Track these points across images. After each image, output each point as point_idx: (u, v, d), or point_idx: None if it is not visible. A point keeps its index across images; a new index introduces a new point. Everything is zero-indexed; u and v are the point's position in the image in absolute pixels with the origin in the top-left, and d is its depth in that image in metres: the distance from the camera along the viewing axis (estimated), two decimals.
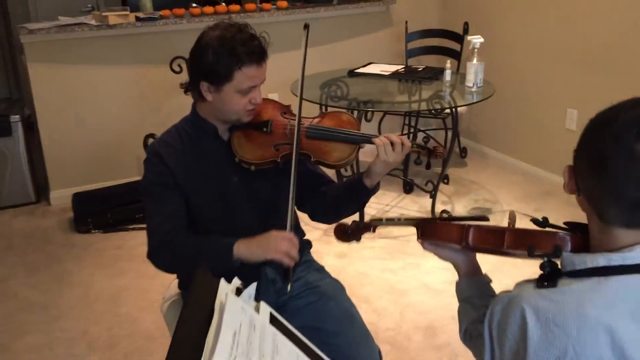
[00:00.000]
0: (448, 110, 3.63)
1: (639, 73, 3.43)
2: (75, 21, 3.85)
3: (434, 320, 2.79)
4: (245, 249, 1.64)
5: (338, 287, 1.92)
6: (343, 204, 1.85)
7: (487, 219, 1.31)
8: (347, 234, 1.60)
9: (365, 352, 1.78)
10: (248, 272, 1.76)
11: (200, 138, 1.78)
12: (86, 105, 4.07)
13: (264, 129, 1.77)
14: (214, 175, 1.78)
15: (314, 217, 1.94)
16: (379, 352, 1.81)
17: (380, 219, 1.51)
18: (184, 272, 1.86)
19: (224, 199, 1.79)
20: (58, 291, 3.15)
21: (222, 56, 1.62)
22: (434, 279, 3.11)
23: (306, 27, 1.79)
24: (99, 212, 3.78)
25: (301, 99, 1.79)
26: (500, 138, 4.43)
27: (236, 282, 1.06)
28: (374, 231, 1.53)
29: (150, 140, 2.86)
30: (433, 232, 1.29)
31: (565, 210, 3.79)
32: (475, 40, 3.37)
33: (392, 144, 1.68)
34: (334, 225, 1.67)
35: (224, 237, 1.69)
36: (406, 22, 4.51)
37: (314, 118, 1.84)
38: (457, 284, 1.37)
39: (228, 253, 1.64)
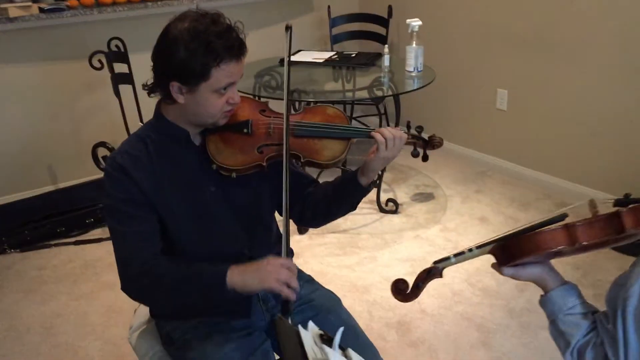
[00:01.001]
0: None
1: (566, 53, 3.50)
2: None
3: (404, 315, 2.70)
4: (239, 278, 1.43)
5: (333, 298, 1.77)
6: (335, 206, 1.69)
7: (565, 216, 1.18)
8: (414, 290, 1.39)
9: None
10: None
11: (168, 145, 1.56)
12: None
13: (244, 130, 1.58)
14: (189, 186, 1.56)
15: (301, 222, 1.77)
16: None
17: (448, 258, 1.31)
18: (168, 305, 1.62)
19: (201, 211, 1.58)
20: None
21: (196, 52, 1.41)
22: (394, 271, 3.02)
23: (288, 28, 1.61)
24: (13, 229, 3.38)
25: (287, 97, 1.59)
26: (433, 121, 4.42)
27: (314, 328, 0.88)
28: (442, 276, 1.36)
29: (102, 151, 2.54)
30: (528, 248, 1.13)
31: (502, 188, 3.84)
32: (414, 23, 3.29)
33: (389, 137, 1.55)
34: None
35: (213, 265, 1.47)
36: (329, 6, 4.37)
37: (297, 114, 1.66)
38: (547, 300, 1.23)
39: (220, 283, 1.43)
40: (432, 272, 1.32)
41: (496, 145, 4.10)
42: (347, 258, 3.15)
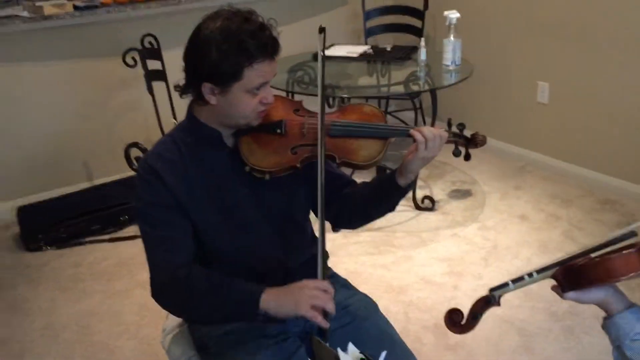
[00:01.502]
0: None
1: (608, 45, 3.36)
2: (3, 13, 3.39)
3: (441, 318, 2.59)
4: (274, 302, 1.38)
5: (370, 303, 1.71)
6: (373, 207, 1.63)
7: (634, 235, 1.10)
8: (470, 321, 1.28)
9: None
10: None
11: (201, 147, 1.52)
12: (23, 107, 3.63)
13: (278, 131, 1.52)
14: (221, 188, 1.52)
15: (337, 224, 1.70)
16: None
17: (506, 285, 1.22)
18: (197, 317, 1.58)
19: (234, 215, 1.53)
20: (16, 322, 2.78)
21: (228, 52, 1.36)
22: (431, 271, 2.94)
23: (322, 31, 1.55)
24: (49, 226, 3.40)
25: (322, 97, 1.53)
26: (471, 116, 4.29)
27: (354, 351, 0.83)
28: (499, 304, 1.25)
29: (134, 151, 2.52)
30: (598, 275, 1.05)
31: (543, 184, 3.72)
32: (452, 15, 3.19)
33: (429, 137, 1.47)
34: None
35: (249, 283, 1.43)
36: None
37: (332, 113, 1.60)
38: (611, 324, 1.15)
39: (253, 304, 1.38)
40: (489, 302, 1.22)
41: (536, 139, 3.96)
42: (382, 257, 3.09)
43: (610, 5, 3.31)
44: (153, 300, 1.49)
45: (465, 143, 1.58)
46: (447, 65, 3.25)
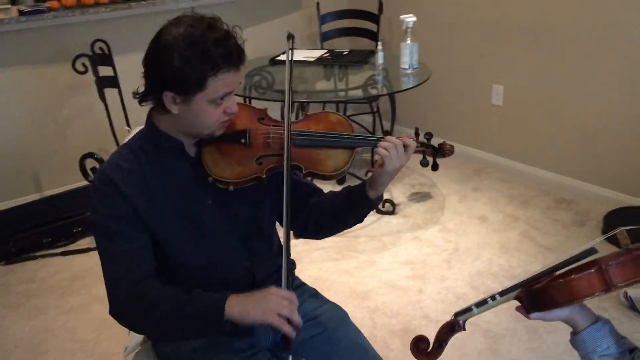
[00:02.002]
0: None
1: (560, 48, 3.43)
2: None
3: (407, 322, 2.61)
4: (238, 310, 1.34)
5: (340, 313, 1.67)
6: (342, 219, 1.60)
7: (595, 252, 1.10)
8: (436, 349, 1.27)
9: None
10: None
11: (162, 157, 1.46)
12: None
13: (242, 141, 1.48)
14: (184, 200, 1.46)
15: (304, 234, 1.67)
16: None
17: (469, 309, 1.22)
18: (159, 334, 1.52)
19: (198, 227, 1.48)
20: None
21: (192, 61, 1.30)
22: (395, 275, 2.93)
23: (290, 37, 1.53)
24: None
25: (289, 106, 1.49)
26: (428, 119, 4.33)
27: None
28: (465, 329, 1.25)
29: (90, 162, 2.42)
30: (561, 297, 1.04)
31: (500, 186, 3.77)
32: (408, 19, 3.20)
33: (397, 147, 1.45)
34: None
35: (211, 293, 1.38)
36: (317, 3, 4.27)
37: (298, 122, 1.57)
38: (578, 341, 1.16)
39: (218, 313, 1.34)
40: (454, 328, 1.23)
41: (492, 141, 4.02)
42: (345, 262, 3.06)
43: (563, 9, 3.38)
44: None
45: (433, 153, 1.56)
46: (405, 69, 3.25)
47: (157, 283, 1.41)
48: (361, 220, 1.60)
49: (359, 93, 3.32)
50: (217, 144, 1.47)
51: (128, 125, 3.41)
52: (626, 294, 2.59)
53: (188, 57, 1.30)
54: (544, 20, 3.49)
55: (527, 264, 2.95)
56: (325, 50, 3.74)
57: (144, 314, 1.38)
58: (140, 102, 1.45)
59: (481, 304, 1.16)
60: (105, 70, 3.28)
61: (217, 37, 1.32)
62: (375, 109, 4.05)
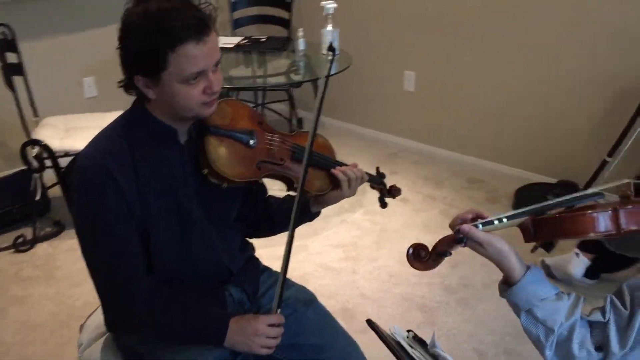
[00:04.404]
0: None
1: (468, 36, 3.63)
2: None
3: (346, 302, 2.67)
4: (230, 343, 1.42)
5: (308, 294, 1.70)
6: (282, 224, 1.63)
7: (602, 196, 1.15)
8: (434, 257, 1.23)
9: None
10: (210, 295, 1.48)
11: (153, 145, 1.36)
12: None
13: (250, 142, 1.45)
14: (173, 193, 1.39)
15: (247, 233, 1.68)
16: None
17: (476, 227, 1.14)
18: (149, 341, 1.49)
19: (184, 221, 1.42)
20: None
21: (147, 37, 1.22)
22: (328, 258, 2.98)
23: (331, 49, 1.58)
24: None
25: (317, 118, 1.45)
26: (343, 105, 4.41)
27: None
28: (466, 245, 1.17)
29: (35, 151, 2.20)
30: (572, 229, 1.06)
31: (415, 168, 3.93)
32: (329, 5, 3.24)
33: (360, 180, 1.59)
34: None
35: (214, 319, 1.44)
36: None
37: (292, 136, 1.57)
38: (519, 290, 1.11)
39: (216, 342, 1.42)
40: (457, 241, 1.15)
41: (405, 126, 4.17)
42: (279, 249, 3.04)
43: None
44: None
45: (385, 192, 1.77)
46: (327, 55, 3.29)
47: (163, 298, 1.40)
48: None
49: (281, 79, 3.33)
50: (222, 138, 1.41)
51: (36, 115, 3.20)
52: (543, 261, 2.80)
53: (143, 33, 1.23)
54: (453, 9, 3.66)
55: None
56: (243, 37, 3.70)
57: (149, 329, 1.41)
58: (126, 91, 1.36)
59: (488, 223, 1.14)
60: (12, 57, 3.05)
61: (172, 7, 1.23)
62: (288, 97, 4.07)
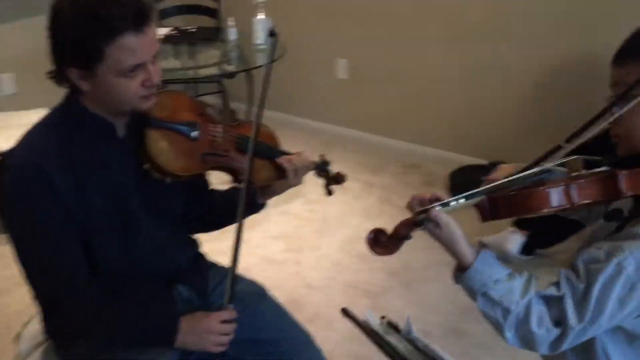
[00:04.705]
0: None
1: (402, 20, 3.66)
2: None
3: (291, 292, 2.65)
4: (180, 343, 1.37)
5: (259, 287, 1.67)
6: (230, 217, 1.55)
7: (549, 171, 1.16)
8: (395, 242, 1.21)
9: (314, 355, 1.60)
10: (158, 295, 1.43)
11: (90, 141, 1.29)
12: None
13: (193, 134, 1.40)
14: (113, 191, 1.32)
15: (192, 228, 1.63)
16: None
17: (432, 207, 1.13)
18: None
19: (127, 221, 1.35)
20: None
21: (81, 27, 1.16)
22: (270, 250, 2.95)
23: (272, 34, 1.56)
24: None
25: (261, 106, 1.45)
26: (275, 95, 4.33)
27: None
28: (424, 228, 1.15)
29: None
30: (528, 205, 1.06)
31: (352, 156, 3.94)
32: None
33: (305, 168, 1.59)
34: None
35: (163, 319, 1.39)
36: None
37: (237, 126, 1.53)
38: (473, 273, 1.11)
39: (167, 343, 1.36)
40: (417, 223, 1.15)
41: (340, 114, 4.17)
42: (219, 243, 2.96)
43: None
44: None
45: (331, 180, 1.75)
46: (259, 44, 3.25)
47: (104, 300, 1.33)
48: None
49: (214, 70, 3.25)
50: (163, 131, 1.35)
51: None
52: (481, 240, 2.86)
53: (76, 23, 1.16)
54: None
55: (391, 226, 3.12)
56: (171, 28, 3.59)
57: (89, 348, 1.33)
58: (57, 83, 1.27)
59: (445, 204, 1.13)
60: None
61: None
62: (222, 89, 3.99)
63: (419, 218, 1.12)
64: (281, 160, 1.54)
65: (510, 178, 1.13)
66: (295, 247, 2.98)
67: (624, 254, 1.01)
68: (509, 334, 1.09)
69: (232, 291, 1.41)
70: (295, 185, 1.59)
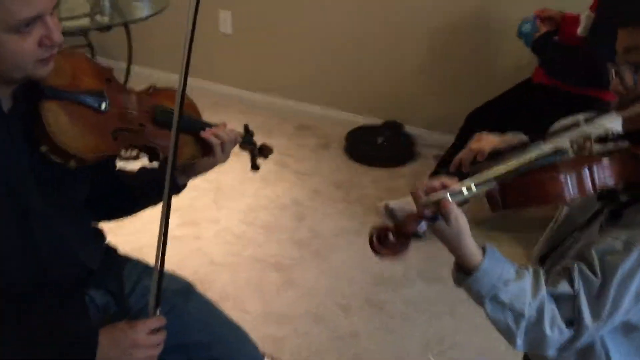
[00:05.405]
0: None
1: None
2: None
3: (195, 272, 2.40)
4: (104, 359, 1.11)
5: (183, 283, 1.46)
6: (143, 201, 1.41)
7: (566, 152, 1.01)
8: (404, 238, 0.95)
9: (250, 354, 1.42)
10: (67, 304, 1.19)
11: None
12: None
13: (100, 106, 1.14)
14: (3, 180, 1.05)
15: (97, 216, 1.39)
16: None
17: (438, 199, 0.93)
18: None
19: (23, 214, 1.09)
20: None
21: None
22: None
23: None
24: None
25: (186, 75, 1.22)
26: (153, 53, 3.96)
27: None
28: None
29: None
30: (543, 194, 0.91)
31: (240, 118, 3.65)
32: None
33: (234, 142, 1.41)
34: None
35: (77, 335, 1.13)
36: None
37: (148, 94, 1.30)
38: (483, 275, 0.95)
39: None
40: (432, 218, 0.94)
41: (225, 72, 3.89)
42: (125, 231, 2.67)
43: None
44: None
45: (257, 152, 1.60)
46: None
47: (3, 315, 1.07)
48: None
49: (85, 22, 2.83)
50: (63, 103, 1.08)
51: None
52: (387, 205, 2.80)
53: None
54: None
55: (291, 192, 2.97)
56: None
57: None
58: None
59: (456, 194, 0.94)
60: None
61: None
62: (88, 44, 3.54)
63: (430, 212, 0.93)
64: (206, 134, 1.33)
65: (521, 161, 0.98)
66: (192, 221, 2.73)
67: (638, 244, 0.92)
68: (520, 340, 0.96)
69: (158, 294, 1.19)
70: (221, 162, 1.39)
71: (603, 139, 0.98)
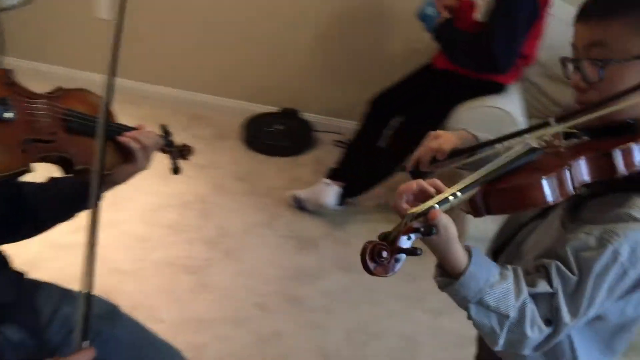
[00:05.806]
0: None
1: None
2: None
3: (100, 284, 2.19)
4: None
5: (108, 305, 1.32)
6: (53, 218, 1.29)
7: (541, 151, 0.97)
8: (397, 254, 0.85)
9: None
10: None
11: None
12: None
13: (5, 115, 1.03)
14: None
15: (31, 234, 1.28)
16: None
17: (432, 208, 0.86)
18: None
19: None
20: None
21: None
22: (52, 233, 2.41)
23: None
24: None
25: (112, 78, 1.12)
26: (22, 41, 3.57)
27: None
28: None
29: None
30: (526, 199, 0.88)
31: (129, 109, 3.44)
32: None
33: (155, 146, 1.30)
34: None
35: None
36: None
37: (56, 97, 1.16)
38: (469, 279, 0.90)
39: None
40: (426, 232, 0.85)
41: (104, 60, 3.60)
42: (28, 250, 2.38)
43: None
44: None
45: (177, 154, 1.46)
46: None
47: None
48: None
49: None
50: None
51: None
52: (294, 195, 2.74)
53: None
54: None
55: (194, 187, 2.83)
56: None
57: None
58: None
59: (443, 202, 0.88)
60: None
61: None
62: None
63: (420, 225, 0.84)
64: (125, 139, 1.19)
65: (499, 163, 0.94)
66: (84, 225, 2.50)
67: (619, 239, 0.91)
68: (502, 340, 0.94)
69: (86, 323, 1.05)
70: (142, 169, 1.26)
71: (568, 135, 0.97)
